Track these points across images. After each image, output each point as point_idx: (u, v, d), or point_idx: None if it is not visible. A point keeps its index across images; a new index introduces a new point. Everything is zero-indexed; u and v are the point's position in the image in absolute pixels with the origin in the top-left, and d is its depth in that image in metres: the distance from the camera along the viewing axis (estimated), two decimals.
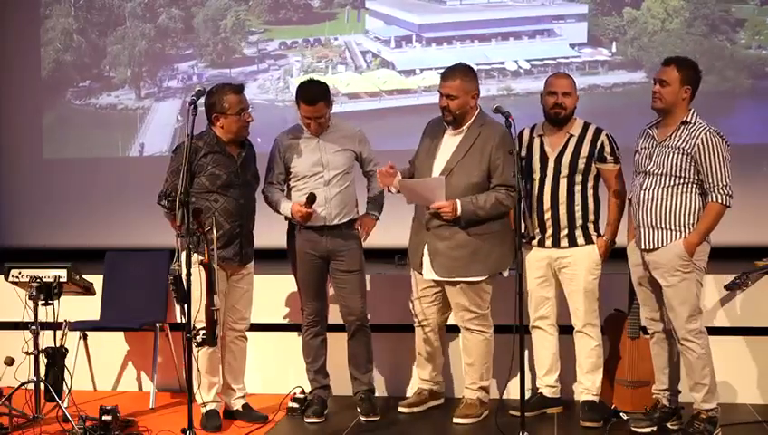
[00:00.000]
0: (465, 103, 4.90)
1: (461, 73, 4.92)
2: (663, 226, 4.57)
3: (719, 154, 4.48)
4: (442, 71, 5.01)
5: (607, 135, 4.99)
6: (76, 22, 7.47)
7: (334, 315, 5.34)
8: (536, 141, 5.06)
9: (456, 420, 5.07)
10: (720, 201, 4.49)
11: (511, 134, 4.66)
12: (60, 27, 7.46)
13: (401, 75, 7.13)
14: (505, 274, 5.05)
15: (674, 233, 4.55)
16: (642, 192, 4.63)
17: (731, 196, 4.50)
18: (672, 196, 4.56)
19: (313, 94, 4.97)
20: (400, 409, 5.26)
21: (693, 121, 4.55)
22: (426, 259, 5.00)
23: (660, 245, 4.58)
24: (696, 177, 4.53)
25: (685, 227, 4.54)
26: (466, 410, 5.11)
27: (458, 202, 4.82)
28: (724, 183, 4.49)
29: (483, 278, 4.97)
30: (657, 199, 4.58)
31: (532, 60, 7.01)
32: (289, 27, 7.26)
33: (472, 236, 4.91)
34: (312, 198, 4.92)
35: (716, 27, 6.76)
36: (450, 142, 4.98)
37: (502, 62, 7.02)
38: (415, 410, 5.26)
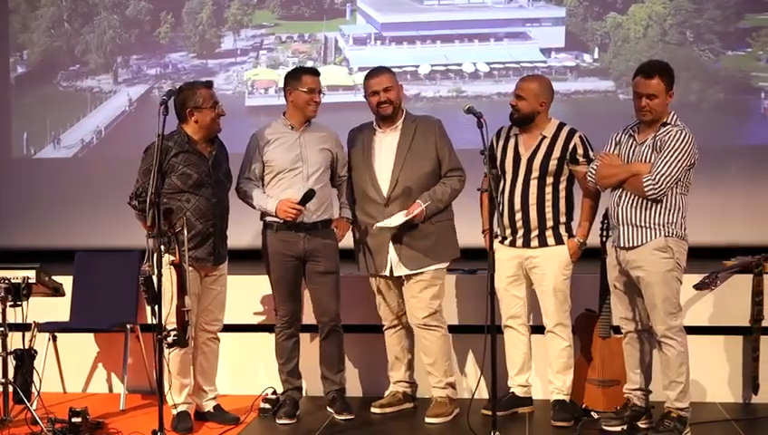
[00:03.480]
0: (400, 95, 5.12)
1: (387, 69, 5.16)
2: (641, 224, 4.59)
3: (676, 148, 4.48)
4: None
5: (580, 136, 5.02)
6: (60, 11, 7.45)
7: (306, 316, 5.33)
8: (511, 141, 5.08)
9: (428, 420, 5.09)
10: (646, 186, 4.50)
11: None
12: (47, 15, 7.47)
13: (348, 73, 7.14)
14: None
15: (652, 231, 4.57)
16: (621, 190, 4.66)
17: (657, 190, 4.49)
18: None
19: (314, 68, 5.26)
20: (373, 409, 5.26)
21: (672, 123, 4.58)
22: (392, 256, 5.04)
23: (639, 243, 4.60)
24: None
25: (663, 225, 4.56)
26: (438, 410, 5.12)
27: (421, 204, 4.94)
28: (663, 174, 4.48)
29: (447, 264, 5.11)
30: (637, 198, 4.59)
31: (493, 63, 7.02)
32: (289, 23, 7.28)
33: (433, 225, 5.05)
34: (310, 195, 4.92)
35: (700, 36, 6.76)
36: (387, 141, 5.10)
37: (459, 64, 7.05)
38: (387, 410, 5.27)
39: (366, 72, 5.16)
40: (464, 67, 6.99)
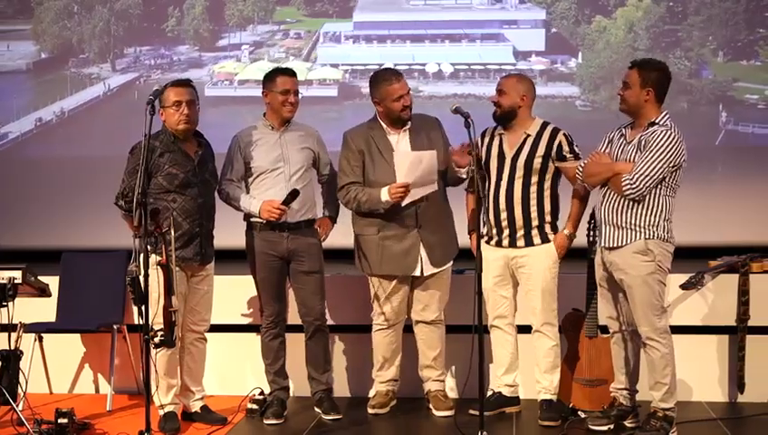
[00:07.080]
0: None
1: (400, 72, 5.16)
2: (625, 225, 4.59)
3: (659, 148, 4.47)
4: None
5: (564, 134, 5.02)
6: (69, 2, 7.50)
7: (292, 316, 5.33)
8: (495, 141, 5.08)
9: (440, 414, 5.15)
10: (623, 185, 4.51)
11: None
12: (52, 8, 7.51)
13: (306, 68, 7.20)
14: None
15: (636, 232, 4.57)
16: (606, 190, 4.66)
17: (635, 190, 4.48)
18: None
19: (290, 69, 5.17)
20: (370, 411, 5.25)
21: (660, 123, 4.58)
22: (423, 256, 5.06)
23: (619, 244, 4.61)
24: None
25: (644, 227, 4.57)
26: (446, 404, 5.20)
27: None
28: (642, 174, 4.48)
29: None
30: (619, 198, 4.60)
31: (458, 64, 7.04)
32: (313, 20, 7.34)
33: (449, 222, 5.17)
34: (294, 195, 4.91)
35: (679, 44, 6.76)
36: (403, 141, 5.08)
37: (424, 64, 7.04)
38: (380, 411, 5.25)
39: (377, 76, 5.07)
40: (427, 67, 6.99)
